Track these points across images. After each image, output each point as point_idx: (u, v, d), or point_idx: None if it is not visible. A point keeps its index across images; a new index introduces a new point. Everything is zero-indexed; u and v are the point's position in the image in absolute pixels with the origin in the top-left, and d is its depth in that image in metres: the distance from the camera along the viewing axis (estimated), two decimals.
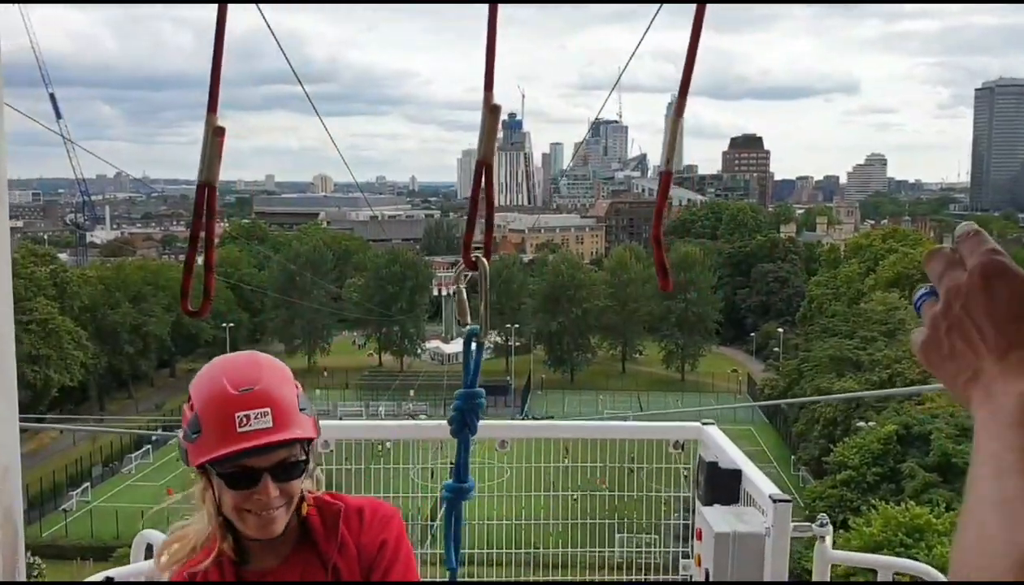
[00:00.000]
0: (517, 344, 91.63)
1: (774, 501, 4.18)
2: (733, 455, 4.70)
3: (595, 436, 5.29)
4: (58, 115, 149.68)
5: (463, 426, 1.96)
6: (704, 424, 5.03)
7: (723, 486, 4.54)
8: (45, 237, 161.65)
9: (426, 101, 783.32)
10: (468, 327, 1.77)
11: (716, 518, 4.36)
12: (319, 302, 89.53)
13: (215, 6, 1.69)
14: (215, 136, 1.66)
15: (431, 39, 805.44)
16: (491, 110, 1.66)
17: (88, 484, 59.76)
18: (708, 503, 4.54)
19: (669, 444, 5.01)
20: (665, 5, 6.39)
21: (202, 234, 1.77)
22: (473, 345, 1.99)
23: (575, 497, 6.12)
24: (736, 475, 4.57)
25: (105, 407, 77.37)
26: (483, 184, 1.75)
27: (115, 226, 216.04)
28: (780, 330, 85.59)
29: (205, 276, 1.82)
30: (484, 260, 1.84)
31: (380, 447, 5.16)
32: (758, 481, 4.44)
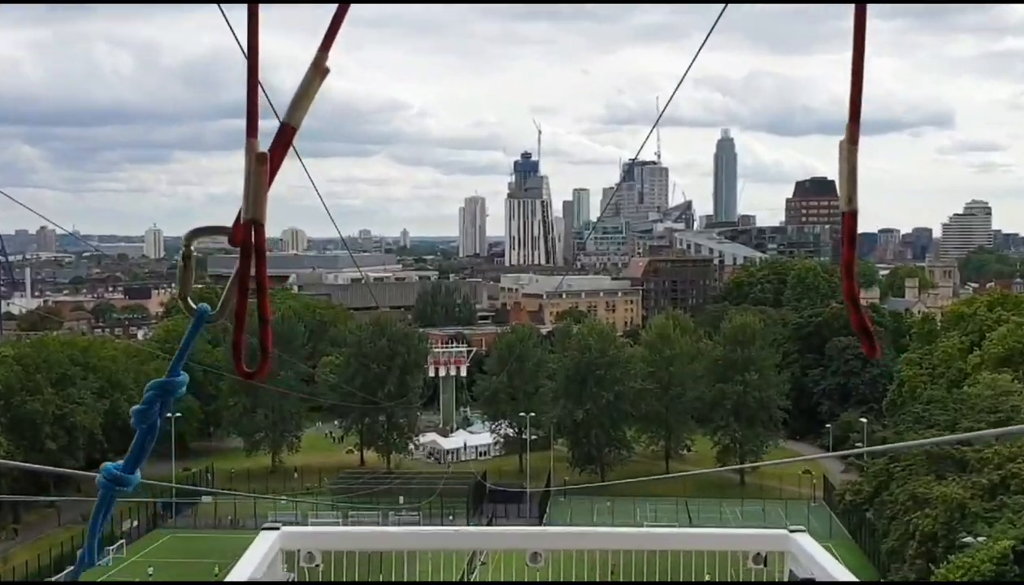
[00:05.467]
0: (534, 437, 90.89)
1: None
2: (832, 569, 4.56)
3: (652, 547, 5.12)
4: None
5: (147, 416, 2.01)
6: (792, 531, 4.88)
7: None
8: None
9: (420, 138, 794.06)
10: (200, 305, 1.87)
11: None
12: (288, 385, 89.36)
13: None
14: (258, 164, 1.74)
15: (426, 63, 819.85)
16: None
17: None
18: None
19: (747, 557, 4.85)
20: (710, 22, 6.41)
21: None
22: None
23: None
24: None
25: (20, 518, 76.80)
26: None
27: (37, 293, 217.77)
28: (863, 420, 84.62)
29: (260, 330, 1.90)
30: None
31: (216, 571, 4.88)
32: None
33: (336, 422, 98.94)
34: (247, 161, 1.75)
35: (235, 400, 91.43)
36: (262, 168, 1.76)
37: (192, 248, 2.01)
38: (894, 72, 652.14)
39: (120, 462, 2.02)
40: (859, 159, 1.72)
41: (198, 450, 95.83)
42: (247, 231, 1.77)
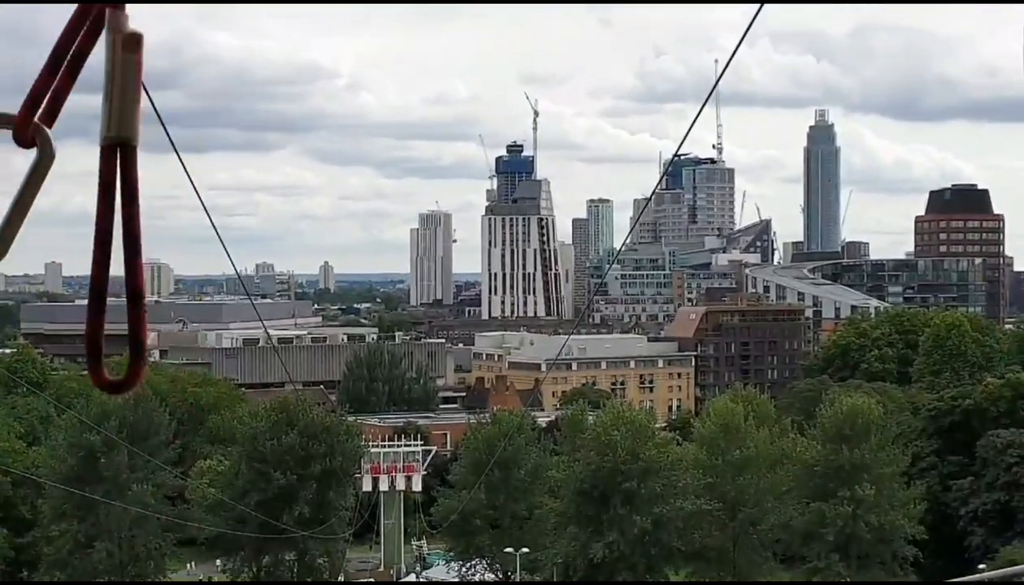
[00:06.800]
0: None
1: None
2: None
3: None
4: None
5: None
6: None
7: None
8: None
9: (352, 122, 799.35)
10: None
11: None
12: (142, 503, 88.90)
13: None
14: (126, 51, 1.74)
15: (361, 8, 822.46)
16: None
17: None
18: None
19: None
20: None
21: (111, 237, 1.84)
22: None
23: None
24: None
25: None
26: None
27: None
28: None
29: (129, 312, 1.92)
30: (45, 130, 1.93)
31: None
32: None
33: (218, 563, 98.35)
34: (109, 44, 1.74)
35: (62, 527, 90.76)
36: (133, 57, 1.74)
37: None
38: None
39: None
40: None
41: None
42: (110, 157, 1.79)
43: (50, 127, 1.92)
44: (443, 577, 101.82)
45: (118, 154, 1.78)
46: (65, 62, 1.79)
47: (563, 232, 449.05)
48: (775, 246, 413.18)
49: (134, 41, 1.74)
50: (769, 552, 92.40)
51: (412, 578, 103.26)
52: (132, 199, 1.83)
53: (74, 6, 1.76)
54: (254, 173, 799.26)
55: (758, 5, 8.00)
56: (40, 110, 1.89)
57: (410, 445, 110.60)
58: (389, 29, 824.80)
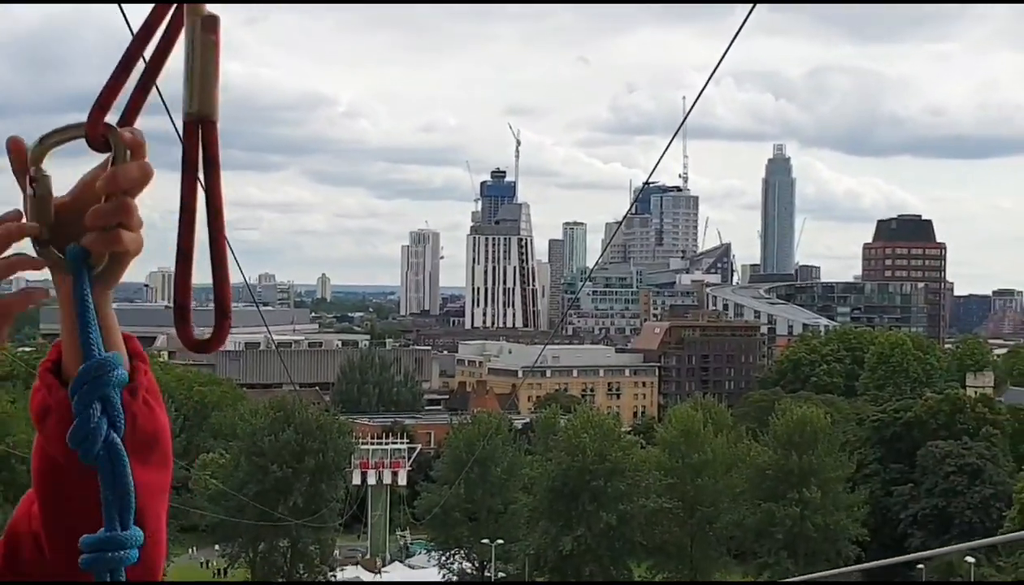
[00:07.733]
0: (502, 575, 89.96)
1: None
2: None
3: None
4: None
5: (91, 437, 1.82)
6: None
7: None
8: None
9: (349, 147, 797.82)
10: (70, 248, 1.85)
11: None
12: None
13: None
14: (205, 32, 1.68)
15: (358, 42, 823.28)
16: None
17: None
18: None
19: None
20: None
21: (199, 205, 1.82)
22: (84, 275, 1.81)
23: None
24: None
25: None
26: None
27: None
28: (969, 560, 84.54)
29: (215, 277, 1.89)
30: (117, 131, 1.79)
31: None
32: None
33: (217, 547, 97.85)
34: (188, 29, 1.68)
35: None
36: (212, 39, 1.67)
37: (44, 168, 1.81)
38: (1017, 74, 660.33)
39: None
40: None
41: None
42: (191, 132, 1.75)
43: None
44: (424, 565, 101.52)
45: (200, 129, 1.75)
46: (139, 63, 1.73)
47: (540, 251, 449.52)
48: (734, 268, 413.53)
49: (212, 22, 1.69)
50: (723, 548, 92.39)
51: (397, 565, 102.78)
52: (214, 172, 1.79)
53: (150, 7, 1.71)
54: (257, 191, 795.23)
55: (725, 47, 7.90)
56: (117, 113, 1.80)
57: (397, 443, 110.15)
58: (386, 63, 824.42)
